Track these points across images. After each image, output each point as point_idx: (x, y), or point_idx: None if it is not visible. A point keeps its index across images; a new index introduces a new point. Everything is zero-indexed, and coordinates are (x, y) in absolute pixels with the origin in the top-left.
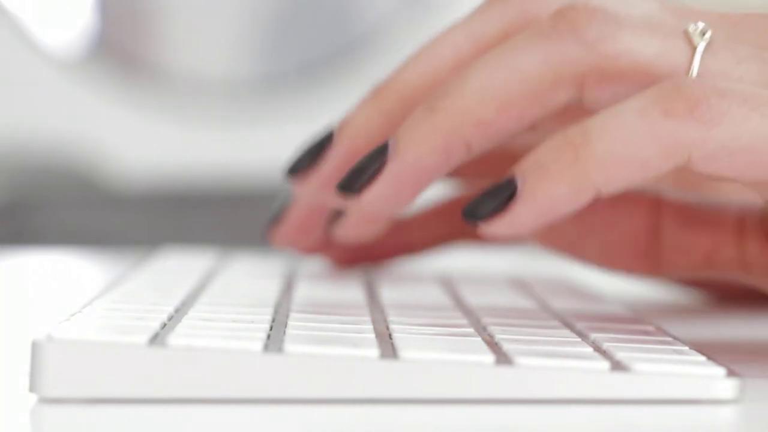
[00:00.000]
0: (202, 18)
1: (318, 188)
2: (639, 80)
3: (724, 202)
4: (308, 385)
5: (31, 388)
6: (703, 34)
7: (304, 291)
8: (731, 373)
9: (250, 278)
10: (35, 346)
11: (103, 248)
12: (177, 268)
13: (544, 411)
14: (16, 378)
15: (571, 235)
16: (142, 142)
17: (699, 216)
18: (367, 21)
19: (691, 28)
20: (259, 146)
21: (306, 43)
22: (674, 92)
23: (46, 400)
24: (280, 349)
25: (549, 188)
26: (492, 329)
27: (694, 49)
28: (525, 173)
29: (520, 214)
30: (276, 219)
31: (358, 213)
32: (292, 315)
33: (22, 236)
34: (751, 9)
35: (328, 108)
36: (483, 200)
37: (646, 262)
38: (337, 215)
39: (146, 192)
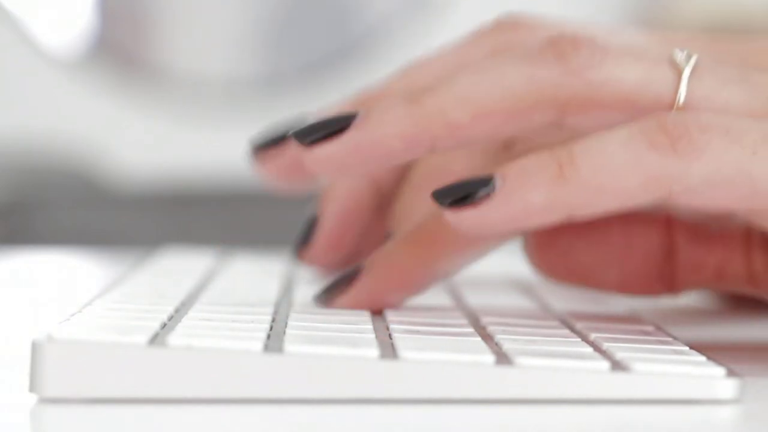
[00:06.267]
0: (202, 18)
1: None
2: (622, 108)
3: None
4: (308, 385)
5: (31, 388)
6: (689, 59)
7: (304, 291)
8: (731, 373)
9: (250, 278)
10: (35, 346)
11: (103, 248)
12: (177, 268)
13: (544, 411)
14: (16, 378)
15: (589, 266)
16: (142, 142)
17: (708, 232)
18: (367, 21)
19: (676, 54)
20: None
21: (306, 43)
22: (658, 126)
23: (46, 400)
24: (280, 349)
25: (526, 195)
26: (492, 329)
27: (679, 74)
28: (506, 175)
29: (491, 212)
30: (305, 240)
31: (291, 161)
32: (292, 315)
33: (22, 236)
34: (750, 11)
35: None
36: (458, 188)
37: (661, 282)
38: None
39: (146, 192)
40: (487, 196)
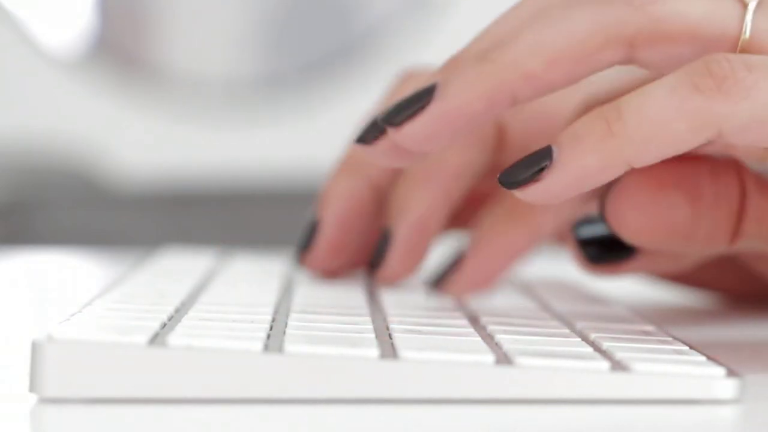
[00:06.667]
0: (202, 18)
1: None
2: (689, 41)
3: None
4: (308, 385)
5: (31, 388)
6: None
7: (304, 291)
8: (731, 373)
9: (250, 278)
10: (35, 346)
11: (103, 248)
12: (177, 268)
13: (544, 411)
14: (16, 378)
15: (683, 222)
16: (142, 142)
17: None
18: (367, 21)
19: None
20: (258, 146)
21: (306, 43)
22: (703, 69)
23: (46, 400)
24: (280, 349)
25: (581, 159)
26: (492, 329)
27: (745, 7)
28: (560, 144)
29: (553, 183)
30: (306, 244)
31: (393, 143)
32: (292, 315)
33: (22, 236)
34: None
35: (327, 108)
36: (519, 168)
37: (728, 234)
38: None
39: (146, 192)
40: (547, 168)
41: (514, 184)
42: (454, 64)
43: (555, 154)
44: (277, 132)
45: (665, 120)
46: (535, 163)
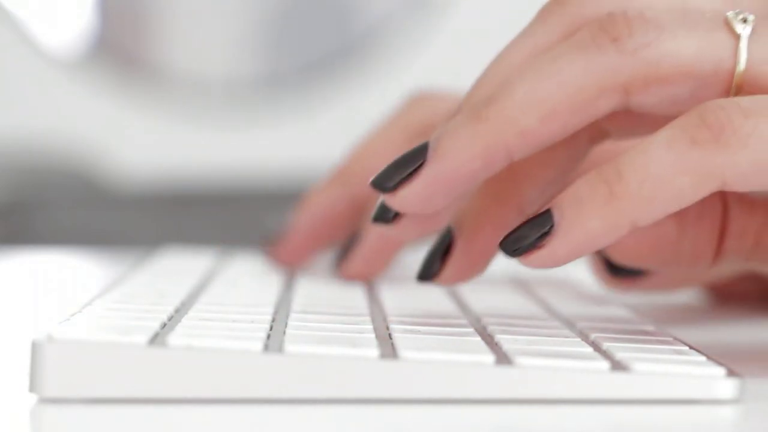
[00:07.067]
0: (202, 18)
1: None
2: (683, 81)
3: None
4: (308, 385)
5: (31, 388)
6: (746, 21)
7: (304, 291)
8: (731, 373)
9: (250, 278)
10: (35, 346)
11: (103, 248)
12: (177, 268)
13: (544, 411)
14: (16, 378)
15: (670, 242)
16: (142, 142)
17: (751, 197)
18: (367, 21)
19: (732, 16)
20: (258, 146)
21: (306, 43)
22: (699, 120)
23: (46, 400)
24: (280, 349)
25: (585, 224)
26: (492, 329)
27: (737, 39)
28: (562, 208)
29: (558, 248)
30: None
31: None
32: (292, 315)
33: (22, 236)
34: None
35: (327, 108)
36: (521, 235)
37: (710, 252)
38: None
39: (146, 192)
40: (549, 234)
41: (518, 251)
42: (449, 121)
43: (557, 219)
44: (277, 132)
45: (667, 177)
46: (536, 229)
